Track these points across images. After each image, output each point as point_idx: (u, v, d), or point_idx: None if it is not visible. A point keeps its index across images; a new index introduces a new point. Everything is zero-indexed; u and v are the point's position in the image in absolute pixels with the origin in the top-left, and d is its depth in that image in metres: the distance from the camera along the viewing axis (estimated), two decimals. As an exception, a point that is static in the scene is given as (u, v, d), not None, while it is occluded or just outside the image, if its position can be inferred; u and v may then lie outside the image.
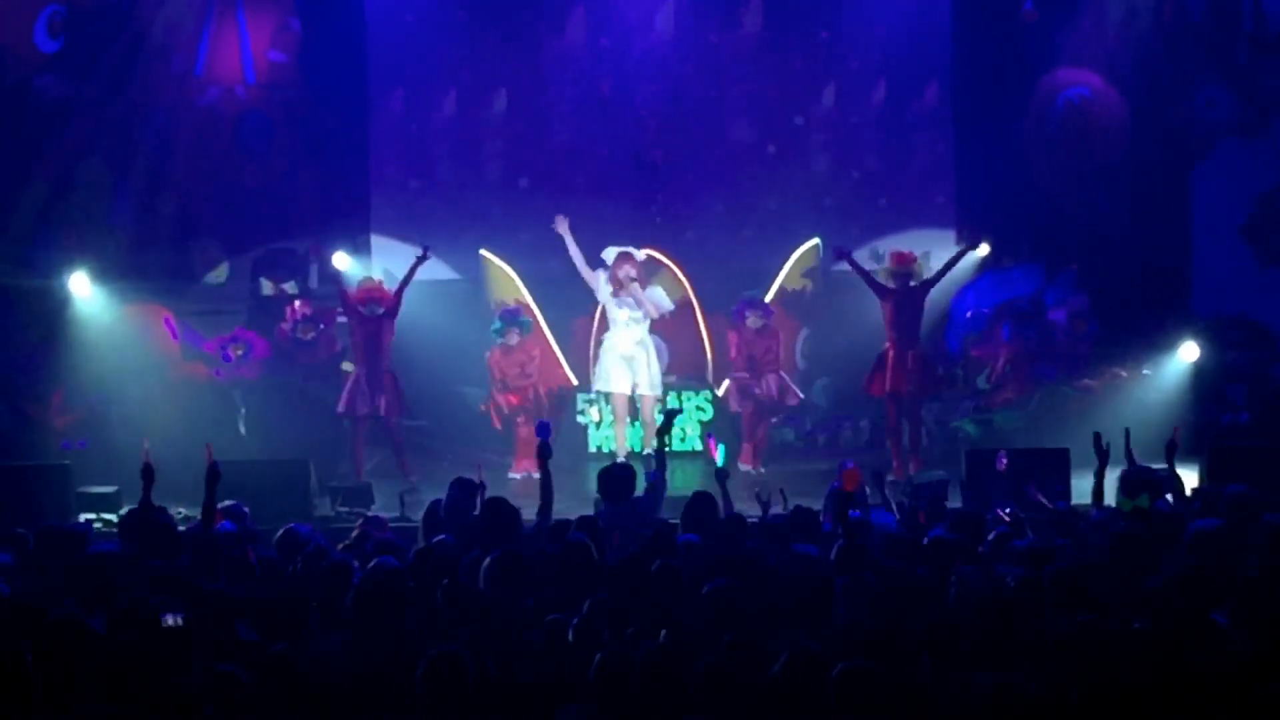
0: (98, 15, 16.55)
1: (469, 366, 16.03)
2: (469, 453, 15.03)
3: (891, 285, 14.88)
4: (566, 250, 14.55)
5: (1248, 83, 16.98)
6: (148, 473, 9.41)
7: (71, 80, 16.49)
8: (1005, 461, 11.53)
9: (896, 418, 14.89)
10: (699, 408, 16.00)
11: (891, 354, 14.76)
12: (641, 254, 14.91)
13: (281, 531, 9.30)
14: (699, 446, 15.74)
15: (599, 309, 15.26)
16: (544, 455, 9.84)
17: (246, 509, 10.32)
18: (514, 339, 15.24)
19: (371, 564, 7.89)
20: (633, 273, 14.43)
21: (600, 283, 14.55)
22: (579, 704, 6.30)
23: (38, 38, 16.48)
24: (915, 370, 14.79)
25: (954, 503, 11.80)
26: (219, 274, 16.68)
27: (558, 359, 16.36)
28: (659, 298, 14.67)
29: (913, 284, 14.88)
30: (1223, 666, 6.46)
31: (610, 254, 14.56)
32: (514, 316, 15.47)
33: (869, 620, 7.16)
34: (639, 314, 14.50)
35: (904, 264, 14.92)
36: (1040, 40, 17.08)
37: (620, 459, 14.29)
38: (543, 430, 10.14)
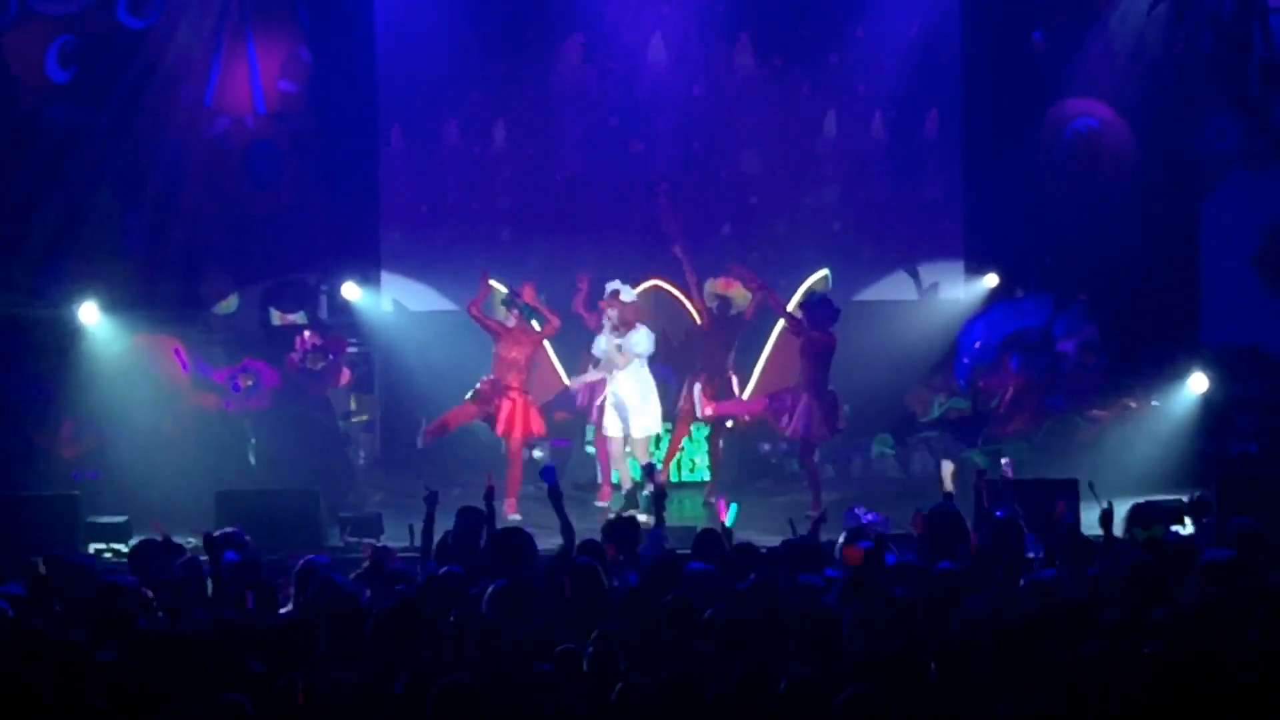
0: (108, 45, 16.59)
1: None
2: (479, 482, 14.97)
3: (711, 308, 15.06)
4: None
5: (1258, 113, 16.99)
6: (210, 543, 9.48)
7: (82, 110, 16.52)
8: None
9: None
10: (708, 438, 15.94)
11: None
12: (647, 286, 14.83)
13: (301, 563, 9.26)
14: (707, 477, 15.72)
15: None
16: (556, 497, 10.05)
17: (248, 537, 10.31)
18: (511, 321, 14.95)
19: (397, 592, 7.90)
20: (613, 313, 14.42)
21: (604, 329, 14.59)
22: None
23: (49, 68, 16.54)
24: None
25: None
26: (228, 304, 16.68)
27: (563, 382, 16.20)
28: (632, 344, 14.54)
29: (731, 313, 15.04)
30: (1239, 694, 6.44)
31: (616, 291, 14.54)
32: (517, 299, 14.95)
33: (877, 648, 7.16)
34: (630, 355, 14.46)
35: (729, 289, 15.08)
36: (1049, 70, 17.09)
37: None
38: (548, 475, 10.32)
